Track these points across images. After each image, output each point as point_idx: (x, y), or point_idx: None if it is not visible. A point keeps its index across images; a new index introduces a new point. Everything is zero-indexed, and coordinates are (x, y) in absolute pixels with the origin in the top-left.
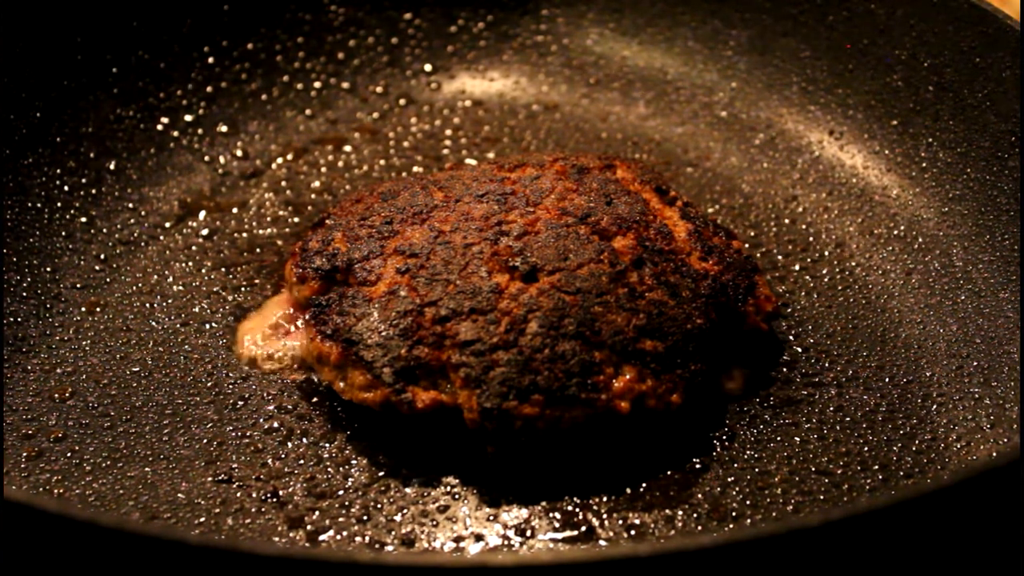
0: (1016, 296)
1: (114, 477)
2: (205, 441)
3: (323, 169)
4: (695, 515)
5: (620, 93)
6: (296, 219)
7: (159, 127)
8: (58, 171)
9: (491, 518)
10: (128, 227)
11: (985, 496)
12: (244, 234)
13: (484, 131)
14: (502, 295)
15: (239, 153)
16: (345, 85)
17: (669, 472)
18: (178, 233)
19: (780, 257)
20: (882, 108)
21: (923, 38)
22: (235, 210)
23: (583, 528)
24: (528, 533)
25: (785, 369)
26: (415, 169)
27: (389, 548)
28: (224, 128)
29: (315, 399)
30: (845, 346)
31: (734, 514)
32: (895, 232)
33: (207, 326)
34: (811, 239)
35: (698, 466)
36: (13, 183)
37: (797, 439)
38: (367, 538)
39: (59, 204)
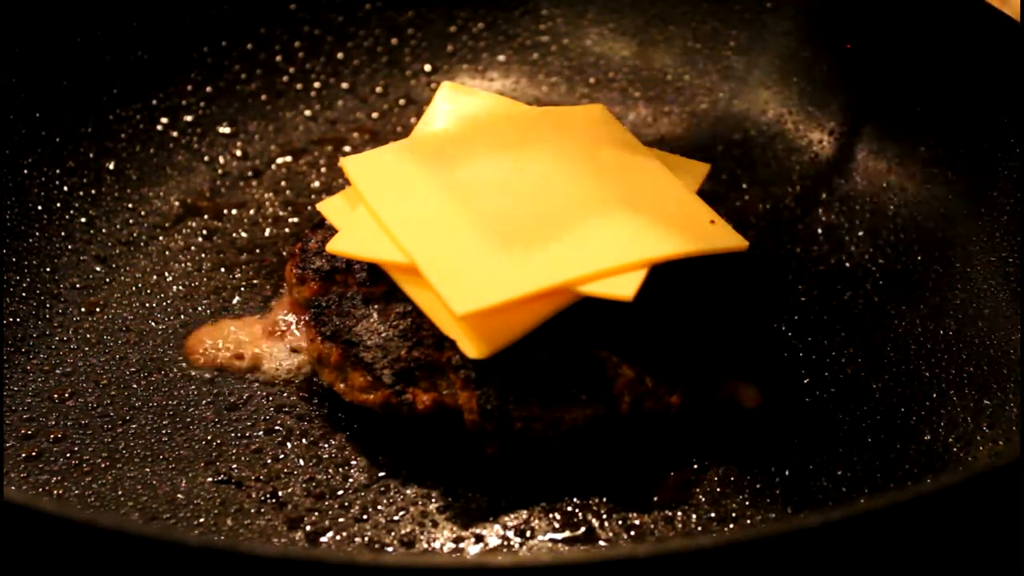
0: (1016, 296)
1: (114, 477)
2: (205, 441)
3: (323, 169)
4: (695, 515)
5: (620, 93)
6: (296, 219)
7: (159, 127)
8: (58, 171)
9: (491, 518)
10: (128, 227)
11: (985, 496)
12: (244, 234)
13: None
14: None
15: (239, 153)
16: (345, 85)
17: (669, 472)
18: (178, 233)
19: (780, 257)
20: (882, 108)
21: (923, 38)
22: (235, 210)
23: (583, 528)
24: (528, 533)
25: (785, 369)
26: None
27: (389, 548)
28: (224, 128)
29: (315, 399)
30: (845, 346)
31: (734, 514)
32: (895, 232)
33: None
34: (811, 239)
35: (698, 466)
36: (13, 183)
37: (797, 439)
38: (367, 538)
39: (59, 204)
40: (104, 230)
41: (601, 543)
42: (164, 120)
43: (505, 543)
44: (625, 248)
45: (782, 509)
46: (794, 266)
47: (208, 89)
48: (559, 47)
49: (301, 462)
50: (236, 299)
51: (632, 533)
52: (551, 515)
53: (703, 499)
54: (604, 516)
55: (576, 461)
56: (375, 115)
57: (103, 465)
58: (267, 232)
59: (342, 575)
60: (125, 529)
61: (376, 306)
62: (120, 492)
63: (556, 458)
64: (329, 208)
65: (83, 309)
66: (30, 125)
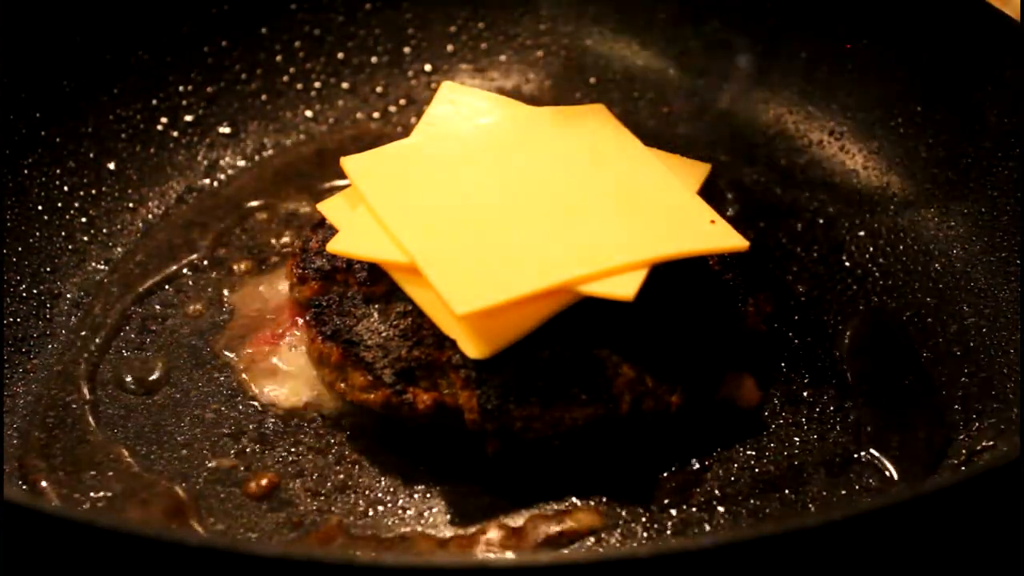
0: (1016, 296)
1: (114, 477)
2: (205, 441)
3: (323, 169)
4: (695, 515)
5: (620, 93)
6: (296, 219)
7: (159, 127)
8: (58, 171)
9: (491, 518)
10: (128, 227)
11: (985, 496)
12: (244, 235)
13: None
14: None
15: (239, 153)
16: (345, 85)
17: (669, 472)
18: (178, 233)
19: (780, 257)
20: (882, 108)
21: (923, 38)
22: (235, 210)
23: (583, 528)
24: (528, 533)
25: (785, 369)
26: None
27: (389, 548)
28: (224, 128)
29: (315, 399)
30: (845, 346)
31: (734, 514)
32: (895, 232)
33: (207, 326)
34: (811, 239)
35: (698, 466)
36: (13, 183)
37: (797, 439)
38: (368, 538)
39: (59, 204)
40: (104, 230)
41: (601, 543)
42: (164, 120)
43: (505, 543)
44: (625, 248)
45: (782, 509)
46: (794, 266)
47: (208, 89)
48: (559, 47)
49: (302, 461)
50: (236, 300)
51: (632, 533)
52: (551, 515)
53: (703, 499)
54: (604, 516)
55: (576, 461)
56: (375, 115)
57: (103, 465)
58: (267, 232)
59: (343, 574)
60: (125, 529)
61: (376, 306)
62: (120, 492)
63: (556, 458)
64: (329, 208)
65: (83, 309)
66: (30, 125)
